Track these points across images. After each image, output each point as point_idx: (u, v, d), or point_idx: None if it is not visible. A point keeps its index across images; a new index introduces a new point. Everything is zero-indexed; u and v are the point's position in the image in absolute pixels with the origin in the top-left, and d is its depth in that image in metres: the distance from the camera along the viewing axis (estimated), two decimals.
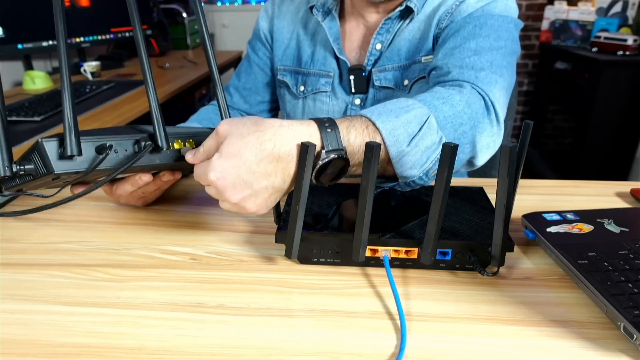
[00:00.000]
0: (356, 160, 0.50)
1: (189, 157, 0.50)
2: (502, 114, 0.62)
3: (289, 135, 0.46)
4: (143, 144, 0.49)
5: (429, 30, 0.75)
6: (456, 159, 0.54)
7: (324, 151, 0.47)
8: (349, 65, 0.81)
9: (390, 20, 0.78)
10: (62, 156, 0.45)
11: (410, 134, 0.51)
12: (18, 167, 0.46)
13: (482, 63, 0.64)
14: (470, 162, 0.60)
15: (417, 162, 0.52)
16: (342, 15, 0.84)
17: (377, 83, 0.79)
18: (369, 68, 0.80)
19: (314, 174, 0.47)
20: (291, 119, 0.90)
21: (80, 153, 0.45)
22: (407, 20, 0.77)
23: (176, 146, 0.51)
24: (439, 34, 0.74)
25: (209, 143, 0.48)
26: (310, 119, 0.49)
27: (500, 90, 0.63)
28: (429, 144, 0.52)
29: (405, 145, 0.51)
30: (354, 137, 0.49)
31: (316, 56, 0.85)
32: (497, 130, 0.60)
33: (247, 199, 0.46)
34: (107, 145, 0.46)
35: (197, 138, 0.53)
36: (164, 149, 0.50)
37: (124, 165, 0.47)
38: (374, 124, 0.51)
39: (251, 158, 0.44)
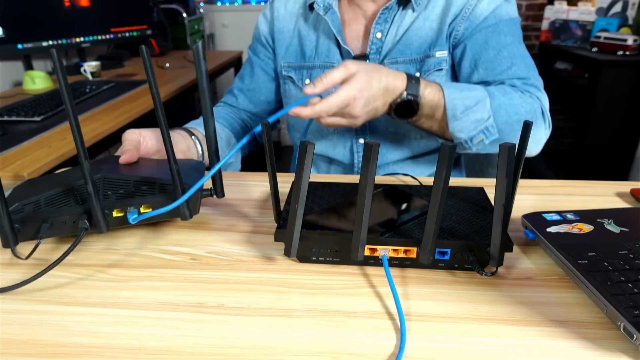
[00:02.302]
0: (426, 110, 0.71)
1: (309, 90, 0.63)
2: (548, 114, 0.79)
3: (393, 75, 0.69)
4: (80, 225, 0.50)
5: (442, 29, 0.81)
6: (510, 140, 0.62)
7: (405, 92, 0.69)
8: (353, 54, 0.84)
9: (387, 10, 0.83)
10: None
11: (466, 106, 0.71)
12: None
13: (523, 71, 0.79)
14: (528, 151, 0.73)
15: (465, 127, 0.72)
16: (341, 6, 0.88)
17: None
18: (372, 56, 0.84)
19: (393, 109, 0.70)
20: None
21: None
22: (409, 12, 0.82)
23: (115, 214, 0.51)
24: (457, 35, 0.81)
25: (335, 74, 0.64)
26: (403, 71, 0.71)
27: (544, 92, 0.80)
28: (479, 118, 0.72)
29: (459, 112, 0.71)
30: (428, 93, 0.70)
31: (320, 48, 0.88)
32: (548, 129, 0.79)
33: (365, 114, 0.68)
34: (39, 238, 0.49)
35: (146, 201, 0.52)
36: (104, 231, 0.50)
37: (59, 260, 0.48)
38: (442, 91, 0.71)
39: (376, 85, 0.67)
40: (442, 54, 0.82)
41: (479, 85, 0.80)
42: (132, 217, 0.50)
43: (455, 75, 0.86)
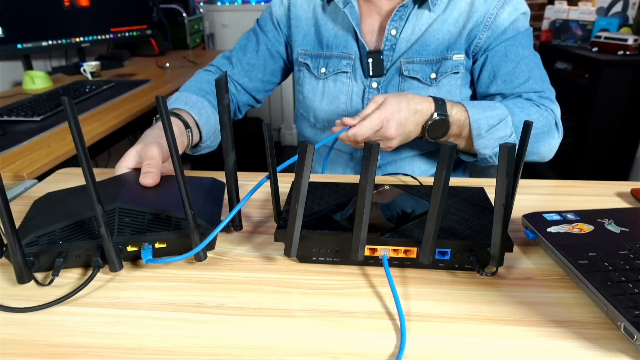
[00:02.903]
0: (455, 129, 0.75)
1: (349, 121, 0.69)
2: (560, 123, 0.84)
3: (420, 99, 0.73)
4: (92, 262, 0.49)
5: (462, 33, 0.84)
6: (527, 154, 0.66)
7: (435, 114, 0.73)
8: (367, 49, 0.86)
9: (403, 8, 0.84)
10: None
11: (490, 125, 0.75)
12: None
13: (538, 84, 0.83)
14: (542, 157, 0.84)
15: (489, 145, 0.76)
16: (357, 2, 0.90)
17: (405, 73, 0.86)
18: (385, 52, 0.86)
19: (427, 131, 0.74)
20: (308, 101, 0.94)
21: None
22: (425, 12, 0.84)
23: (129, 249, 0.50)
24: (479, 42, 0.84)
25: (367, 109, 0.71)
26: (428, 95, 0.75)
27: (556, 103, 0.84)
28: (502, 135, 0.75)
29: (483, 132, 0.75)
30: (455, 112, 0.75)
31: (338, 39, 0.90)
32: (561, 137, 0.84)
33: (399, 135, 0.72)
34: (53, 275, 0.48)
35: (161, 237, 0.51)
36: (117, 270, 0.49)
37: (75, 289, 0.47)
38: (467, 112, 0.75)
39: (405, 108, 0.72)
40: (459, 57, 0.84)
41: (497, 97, 0.85)
42: (147, 258, 0.49)
43: (471, 80, 0.88)
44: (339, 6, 0.87)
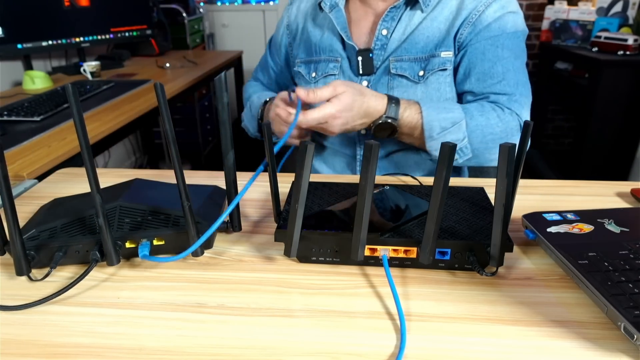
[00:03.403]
0: (405, 130, 0.77)
1: (302, 94, 0.69)
2: None
3: (375, 100, 0.74)
4: (90, 255, 0.49)
5: (450, 31, 0.83)
6: (485, 160, 0.67)
7: (384, 116, 0.74)
8: (357, 49, 0.87)
9: (395, 9, 0.85)
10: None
11: (442, 128, 0.75)
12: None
13: (511, 87, 0.81)
14: None
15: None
16: (351, 5, 0.92)
17: (393, 71, 0.86)
18: (376, 52, 0.87)
19: (372, 130, 0.76)
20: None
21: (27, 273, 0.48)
22: (417, 12, 0.84)
23: (128, 245, 0.50)
24: (460, 37, 0.83)
25: (324, 91, 0.70)
26: (385, 94, 0.76)
27: (527, 109, 0.82)
28: (454, 139, 0.75)
29: (435, 134, 0.75)
30: (407, 115, 0.75)
31: (324, 43, 0.92)
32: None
33: (341, 131, 0.74)
34: (51, 267, 0.49)
35: (159, 233, 0.51)
36: (114, 264, 0.49)
37: (71, 283, 0.47)
38: (421, 113, 0.75)
39: (357, 109, 0.72)
40: (447, 54, 0.83)
41: (467, 96, 0.84)
42: (142, 254, 0.49)
43: None
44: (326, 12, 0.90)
